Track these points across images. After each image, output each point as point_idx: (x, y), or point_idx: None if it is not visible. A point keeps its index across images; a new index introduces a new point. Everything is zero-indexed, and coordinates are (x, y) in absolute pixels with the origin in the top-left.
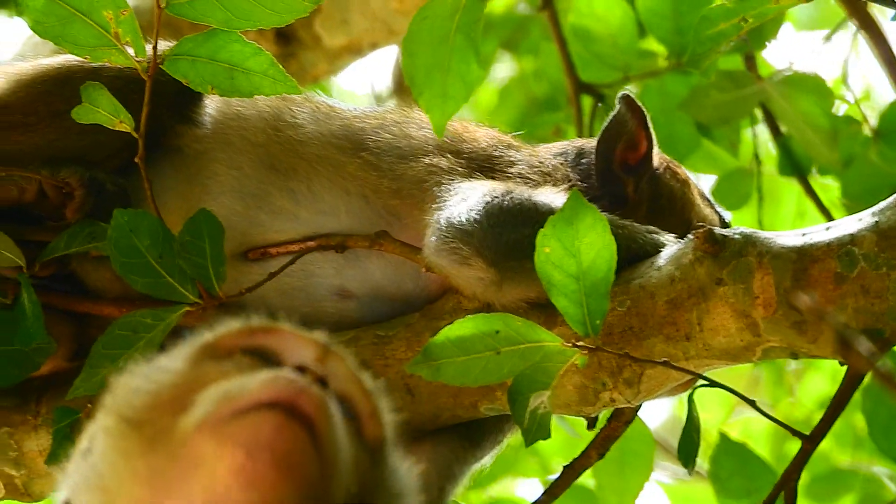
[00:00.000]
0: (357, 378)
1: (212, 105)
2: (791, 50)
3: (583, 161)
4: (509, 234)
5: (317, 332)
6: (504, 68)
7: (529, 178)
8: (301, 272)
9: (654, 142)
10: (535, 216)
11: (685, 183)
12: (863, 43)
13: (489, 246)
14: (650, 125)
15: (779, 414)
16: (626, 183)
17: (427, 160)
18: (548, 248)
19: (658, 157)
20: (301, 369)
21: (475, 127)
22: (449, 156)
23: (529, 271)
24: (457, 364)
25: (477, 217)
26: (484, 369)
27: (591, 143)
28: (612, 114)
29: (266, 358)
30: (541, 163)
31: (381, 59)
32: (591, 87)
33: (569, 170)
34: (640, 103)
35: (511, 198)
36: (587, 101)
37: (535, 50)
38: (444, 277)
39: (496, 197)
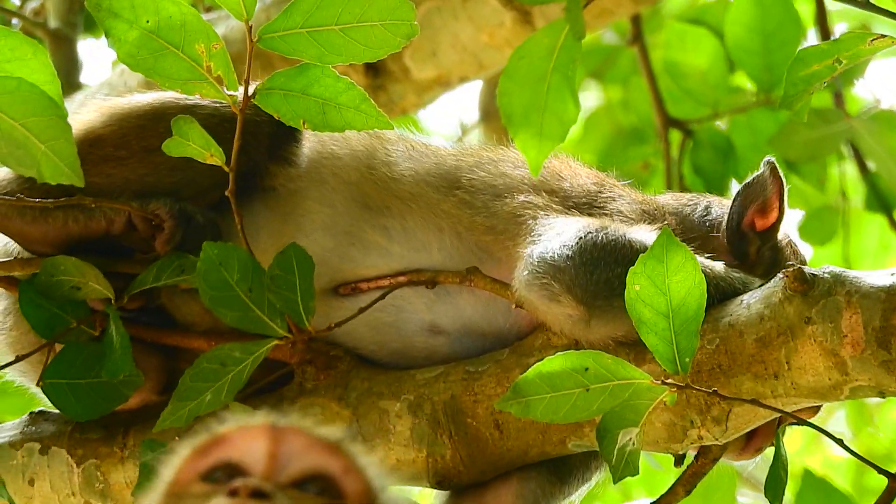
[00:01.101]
0: (318, 441)
1: (306, 145)
2: (880, 81)
3: (712, 216)
4: (601, 271)
5: (260, 414)
6: (590, 97)
7: (628, 218)
8: (392, 307)
9: (786, 215)
10: (629, 254)
11: (803, 262)
12: None
13: (580, 284)
14: (786, 197)
15: (859, 445)
16: (751, 242)
17: (522, 198)
18: (638, 285)
19: (783, 232)
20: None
21: (575, 164)
22: (545, 194)
23: (618, 310)
24: (546, 401)
25: (569, 254)
26: (573, 406)
27: (721, 202)
28: (754, 174)
29: (229, 470)
30: (643, 203)
31: (467, 91)
32: (680, 122)
33: (684, 218)
34: (782, 173)
35: (606, 234)
36: (675, 136)
37: (623, 79)
38: (533, 312)
39: (590, 233)
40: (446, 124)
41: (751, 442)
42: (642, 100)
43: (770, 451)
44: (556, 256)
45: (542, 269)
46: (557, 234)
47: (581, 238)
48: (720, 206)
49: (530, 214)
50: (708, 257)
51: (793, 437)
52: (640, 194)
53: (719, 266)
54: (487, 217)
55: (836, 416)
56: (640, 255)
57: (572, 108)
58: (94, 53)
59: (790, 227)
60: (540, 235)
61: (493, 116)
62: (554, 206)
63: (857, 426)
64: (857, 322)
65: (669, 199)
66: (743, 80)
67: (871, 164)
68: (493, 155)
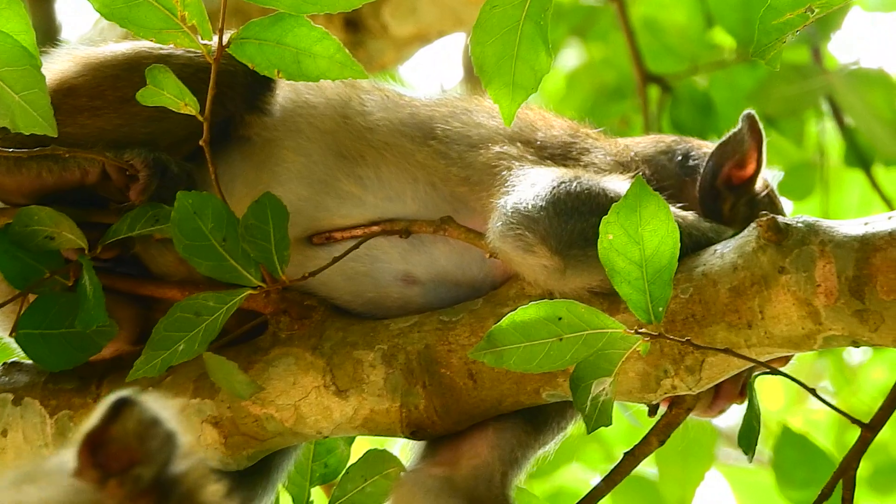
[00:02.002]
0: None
1: (281, 94)
2: (860, 37)
3: (689, 163)
4: (575, 221)
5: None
6: (573, 55)
7: (602, 168)
8: (366, 257)
9: (764, 167)
10: (603, 203)
11: (778, 210)
12: None
13: (554, 234)
14: (765, 149)
15: (841, 404)
16: (725, 199)
17: (497, 148)
18: (611, 234)
19: (762, 183)
20: None
21: (552, 116)
22: (519, 144)
23: (593, 259)
24: (520, 350)
25: (543, 204)
26: (546, 356)
27: (700, 148)
28: (732, 130)
29: None
30: (618, 153)
31: (449, 48)
32: (659, 78)
33: (661, 166)
34: (761, 126)
35: (580, 184)
36: (654, 92)
37: (604, 37)
38: (507, 263)
39: (564, 183)
40: (430, 82)
41: (716, 401)
42: (622, 56)
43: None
44: (530, 207)
45: (517, 219)
46: (532, 184)
47: (555, 188)
48: (700, 151)
49: (505, 165)
50: (680, 207)
51: (775, 395)
52: (616, 143)
53: (691, 215)
54: (462, 168)
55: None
56: (614, 204)
57: (545, 57)
58: (74, 14)
59: (771, 180)
60: (514, 186)
61: (475, 75)
62: (529, 156)
63: (837, 385)
64: (830, 271)
65: (648, 144)
66: (722, 36)
67: (850, 120)
68: (468, 105)
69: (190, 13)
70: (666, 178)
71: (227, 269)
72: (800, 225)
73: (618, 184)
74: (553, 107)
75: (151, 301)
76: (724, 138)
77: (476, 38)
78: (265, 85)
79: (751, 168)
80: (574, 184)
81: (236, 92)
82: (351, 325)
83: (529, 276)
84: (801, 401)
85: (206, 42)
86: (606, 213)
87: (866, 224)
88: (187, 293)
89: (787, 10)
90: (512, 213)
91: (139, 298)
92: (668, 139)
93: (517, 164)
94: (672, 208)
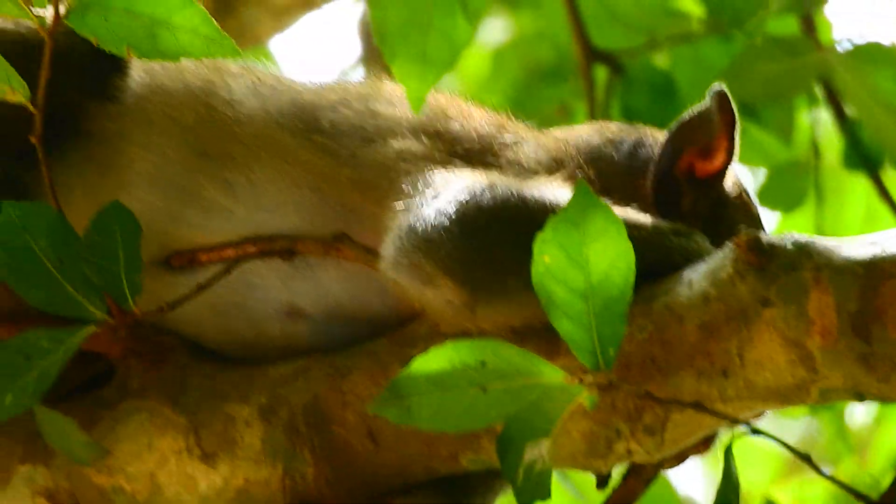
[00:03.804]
0: None
1: (133, 77)
2: (860, 8)
3: (640, 155)
4: (487, 241)
5: None
6: (498, 28)
7: (526, 168)
8: (239, 284)
9: (735, 159)
10: (524, 216)
11: (755, 222)
12: None
13: (459, 259)
14: (737, 135)
15: (841, 474)
16: (684, 193)
17: (397, 143)
18: (547, 256)
19: (733, 180)
20: None
21: (466, 104)
22: (425, 139)
23: (513, 291)
24: (432, 404)
25: (446, 222)
26: (466, 411)
27: (654, 136)
28: (696, 107)
29: None
30: (550, 148)
31: (343, 14)
32: (607, 55)
33: (606, 161)
34: (734, 107)
35: (494, 194)
36: (601, 73)
37: (537, 4)
38: (406, 297)
39: (475, 193)
40: (317, 61)
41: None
42: (560, 27)
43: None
44: (429, 227)
45: (413, 242)
46: (434, 196)
47: (462, 201)
48: (654, 140)
49: (404, 167)
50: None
51: (758, 462)
52: (548, 135)
53: (648, 221)
54: (354, 169)
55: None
56: (547, 216)
57: (464, 24)
58: None
59: (745, 180)
60: (412, 199)
61: (378, 51)
62: (437, 155)
63: (836, 453)
64: (827, 304)
65: (589, 137)
66: (688, 2)
67: (851, 110)
68: (364, 89)
69: None
70: (612, 175)
71: (63, 299)
72: (788, 245)
73: (547, 189)
74: (473, 92)
75: None
76: (685, 115)
77: None
78: (112, 65)
79: (719, 159)
80: (487, 194)
81: (75, 73)
82: (221, 371)
83: (433, 315)
84: (792, 470)
85: (38, 12)
86: (529, 228)
87: (873, 243)
88: (14, 331)
89: None
90: (407, 234)
91: None
92: (613, 127)
93: (421, 164)
94: (623, 212)
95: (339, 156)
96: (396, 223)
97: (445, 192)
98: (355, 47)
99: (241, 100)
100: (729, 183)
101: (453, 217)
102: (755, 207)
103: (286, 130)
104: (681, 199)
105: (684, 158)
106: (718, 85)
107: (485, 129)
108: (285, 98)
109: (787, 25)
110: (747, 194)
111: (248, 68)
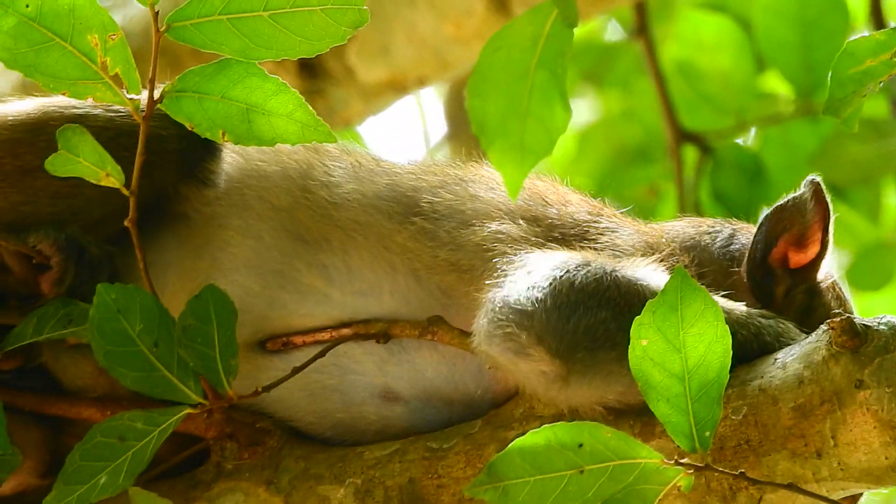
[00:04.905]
0: None
1: (227, 161)
2: None
3: (734, 246)
4: (581, 316)
5: None
6: (585, 107)
7: (621, 252)
8: (334, 368)
9: (830, 250)
10: (617, 292)
11: (850, 311)
12: None
13: (552, 330)
14: (831, 228)
15: None
16: (778, 281)
17: (494, 226)
18: (645, 339)
19: (825, 271)
20: None
21: (565, 188)
22: (522, 222)
23: (605, 364)
24: (529, 485)
25: (540, 295)
26: (564, 493)
27: (748, 230)
28: (791, 195)
29: None
30: (646, 234)
31: (429, 97)
32: (696, 136)
33: (699, 251)
34: (828, 197)
35: (588, 271)
36: (690, 153)
37: (625, 85)
38: (501, 372)
39: (569, 270)
40: (404, 141)
41: None
42: (649, 109)
43: None
44: (522, 300)
45: (506, 315)
46: (528, 272)
47: (556, 277)
48: (748, 236)
49: (500, 249)
50: (724, 296)
51: None
52: (644, 224)
53: (742, 308)
54: (452, 251)
55: None
56: (639, 294)
57: (561, 112)
58: None
59: (834, 267)
60: (507, 275)
61: (463, 129)
62: (532, 237)
63: None
64: None
65: (685, 228)
66: (776, 83)
67: None
68: (463, 173)
69: (113, 59)
70: (707, 263)
71: (158, 382)
72: (882, 327)
73: (641, 270)
74: (559, 172)
75: (63, 423)
76: (780, 202)
77: (474, 88)
78: (207, 150)
79: (813, 249)
80: (581, 271)
81: (169, 158)
82: (315, 453)
83: (527, 387)
84: None
85: (132, 97)
86: (622, 305)
87: None
88: (109, 413)
89: (866, 56)
90: (501, 307)
91: (48, 419)
92: (707, 221)
93: (517, 245)
94: (719, 299)
95: (437, 238)
96: (489, 297)
97: (539, 268)
98: (440, 126)
99: (339, 182)
100: (821, 272)
101: (546, 289)
102: (846, 295)
103: (384, 214)
104: (775, 287)
105: (779, 248)
106: (813, 175)
107: (582, 216)
108: (383, 181)
109: (876, 108)
110: (837, 282)
111: (346, 150)
